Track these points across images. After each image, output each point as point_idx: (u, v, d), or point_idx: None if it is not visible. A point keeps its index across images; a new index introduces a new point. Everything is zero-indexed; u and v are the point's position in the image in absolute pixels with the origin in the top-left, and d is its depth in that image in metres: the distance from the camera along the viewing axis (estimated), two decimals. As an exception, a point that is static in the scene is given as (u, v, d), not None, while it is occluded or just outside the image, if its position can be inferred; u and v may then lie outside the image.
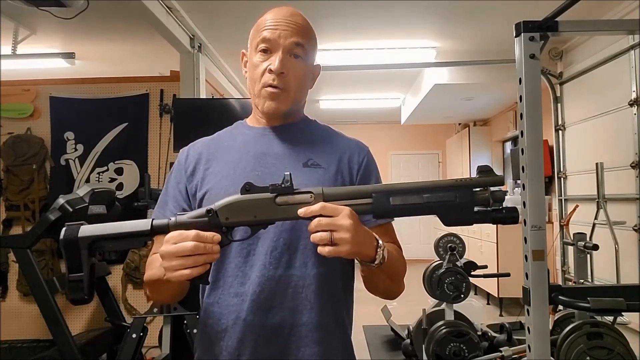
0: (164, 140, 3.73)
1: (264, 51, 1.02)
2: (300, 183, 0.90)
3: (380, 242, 0.91)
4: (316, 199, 0.86)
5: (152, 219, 0.88)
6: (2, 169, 3.71)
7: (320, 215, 0.83)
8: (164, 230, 0.87)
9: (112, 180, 3.74)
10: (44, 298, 2.69)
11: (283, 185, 0.87)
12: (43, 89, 3.79)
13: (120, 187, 3.72)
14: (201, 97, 3.78)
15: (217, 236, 0.84)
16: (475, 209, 0.86)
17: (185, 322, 2.67)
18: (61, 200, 2.72)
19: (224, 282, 1.00)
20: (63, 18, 2.92)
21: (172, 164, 3.74)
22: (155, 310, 2.76)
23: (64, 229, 0.85)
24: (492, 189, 0.86)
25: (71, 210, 2.70)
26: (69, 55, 4.04)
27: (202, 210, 0.87)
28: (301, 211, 0.85)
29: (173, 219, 0.87)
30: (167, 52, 3.81)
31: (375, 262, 0.89)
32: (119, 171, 3.76)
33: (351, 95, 6.52)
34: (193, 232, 0.83)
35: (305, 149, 1.07)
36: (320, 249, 0.83)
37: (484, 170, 0.87)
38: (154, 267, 0.98)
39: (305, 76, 1.06)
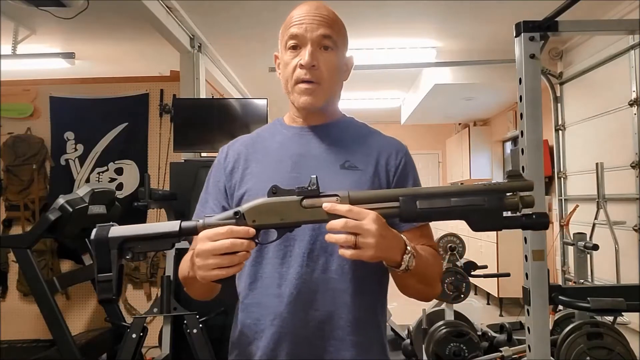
0: (164, 140, 3.73)
1: (294, 47, 1.02)
2: (337, 185, 0.90)
3: (409, 248, 0.88)
4: (342, 201, 0.86)
5: (181, 221, 0.88)
6: (2, 169, 3.71)
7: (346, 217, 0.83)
8: (192, 232, 0.87)
9: (112, 180, 3.74)
10: (44, 298, 2.69)
11: (309, 188, 0.87)
12: (43, 89, 3.80)
13: (120, 187, 3.72)
14: (201, 97, 3.78)
15: (252, 230, 0.84)
16: (504, 214, 0.84)
17: (185, 322, 2.66)
18: (61, 200, 2.72)
19: (261, 283, 1.01)
20: (63, 18, 2.92)
21: (172, 163, 3.71)
22: (155, 310, 2.76)
23: (95, 229, 0.86)
24: (521, 194, 0.84)
25: (71, 210, 2.70)
26: (69, 55, 4.03)
27: (230, 212, 0.88)
28: (326, 205, 0.84)
29: (201, 220, 0.87)
30: (167, 52, 3.81)
31: (401, 268, 0.88)
32: (119, 171, 3.76)
33: (351, 95, 6.51)
34: (226, 228, 0.83)
35: (343, 150, 1.06)
36: (342, 251, 0.83)
37: (514, 175, 0.85)
38: (184, 263, 1.00)
39: (337, 68, 1.05)
